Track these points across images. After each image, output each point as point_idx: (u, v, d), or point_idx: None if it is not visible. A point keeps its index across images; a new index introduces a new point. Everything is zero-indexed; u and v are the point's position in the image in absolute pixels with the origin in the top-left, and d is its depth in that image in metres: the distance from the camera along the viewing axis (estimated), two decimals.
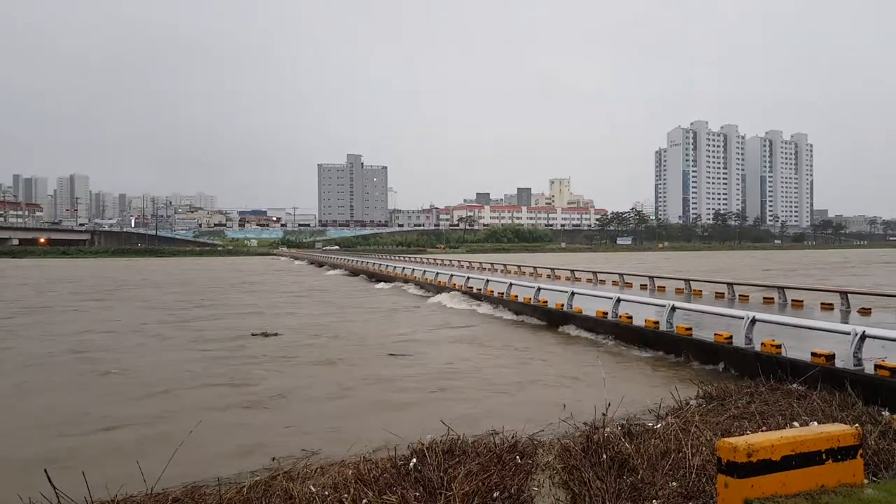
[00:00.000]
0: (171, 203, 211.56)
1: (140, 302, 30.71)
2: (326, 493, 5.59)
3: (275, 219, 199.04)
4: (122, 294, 36.27)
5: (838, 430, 4.70)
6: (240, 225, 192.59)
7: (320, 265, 73.21)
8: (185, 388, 12.00)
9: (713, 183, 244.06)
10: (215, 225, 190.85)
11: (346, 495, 5.53)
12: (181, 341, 17.98)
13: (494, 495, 5.47)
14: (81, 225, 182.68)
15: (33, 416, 10.26)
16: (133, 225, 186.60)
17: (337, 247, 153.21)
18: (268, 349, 16.23)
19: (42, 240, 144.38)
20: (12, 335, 19.37)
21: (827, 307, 17.84)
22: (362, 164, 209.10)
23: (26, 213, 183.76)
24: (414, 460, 6.12)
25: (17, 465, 7.81)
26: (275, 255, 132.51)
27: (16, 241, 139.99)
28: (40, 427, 9.54)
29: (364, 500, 5.42)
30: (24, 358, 15.39)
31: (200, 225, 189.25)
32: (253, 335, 18.46)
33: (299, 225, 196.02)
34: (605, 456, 6.02)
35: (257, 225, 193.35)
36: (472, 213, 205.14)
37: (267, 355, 15.36)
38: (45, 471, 5.51)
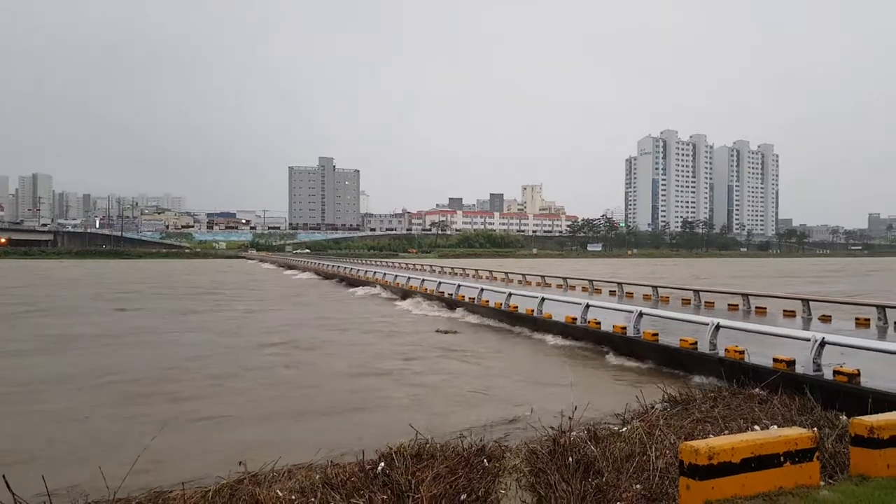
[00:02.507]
0: (137, 204, 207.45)
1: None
2: (293, 497, 5.56)
3: (244, 221, 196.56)
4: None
5: (796, 434, 4.83)
6: (208, 227, 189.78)
7: (289, 268, 72.61)
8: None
9: (682, 191, 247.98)
10: (183, 227, 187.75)
11: (313, 499, 5.51)
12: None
13: (462, 498, 5.51)
14: (44, 225, 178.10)
15: None
16: (98, 226, 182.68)
17: (308, 250, 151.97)
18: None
19: (2, 240, 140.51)
20: None
21: (789, 314, 18.24)
22: (334, 167, 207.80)
23: None
24: (382, 464, 6.12)
25: None
26: (243, 257, 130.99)
27: None
28: None
29: None
30: None
31: (168, 227, 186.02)
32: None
33: (269, 228, 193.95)
34: (571, 459, 6.09)
35: (226, 227, 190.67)
36: (444, 218, 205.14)
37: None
38: (3, 477, 5.39)
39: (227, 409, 10.50)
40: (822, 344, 9.74)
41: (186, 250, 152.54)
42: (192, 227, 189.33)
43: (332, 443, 8.30)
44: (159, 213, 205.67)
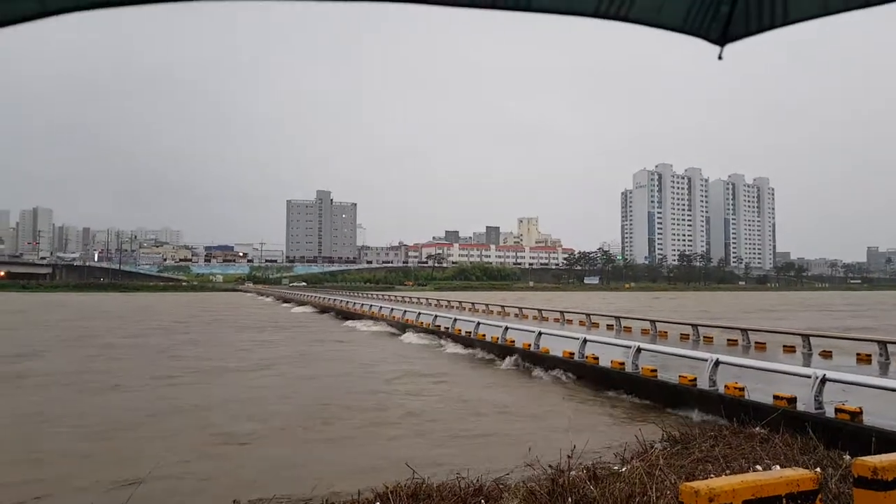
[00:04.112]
0: (135, 237, 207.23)
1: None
2: None
3: (241, 254, 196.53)
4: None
5: (798, 475, 4.73)
6: (206, 260, 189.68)
7: (286, 301, 72.35)
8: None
9: (678, 224, 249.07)
10: (181, 260, 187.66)
11: None
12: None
13: None
14: (43, 258, 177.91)
15: None
16: (96, 259, 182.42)
17: (304, 283, 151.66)
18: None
19: (1, 273, 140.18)
20: None
21: (789, 350, 18.13)
22: (332, 200, 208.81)
23: None
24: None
25: None
26: (241, 290, 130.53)
27: None
28: None
29: None
30: None
31: (165, 259, 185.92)
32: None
33: (266, 261, 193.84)
34: (570, 500, 5.97)
35: (224, 260, 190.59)
36: (440, 251, 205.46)
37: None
38: None
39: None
40: (824, 381, 9.65)
41: (184, 283, 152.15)
42: (191, 260, 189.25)
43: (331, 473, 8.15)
44: (157, 247, 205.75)
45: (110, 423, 12.12)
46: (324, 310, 52.41)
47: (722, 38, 1.31)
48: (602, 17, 1.19)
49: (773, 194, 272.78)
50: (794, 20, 1.25)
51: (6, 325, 38.06)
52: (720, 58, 1.31)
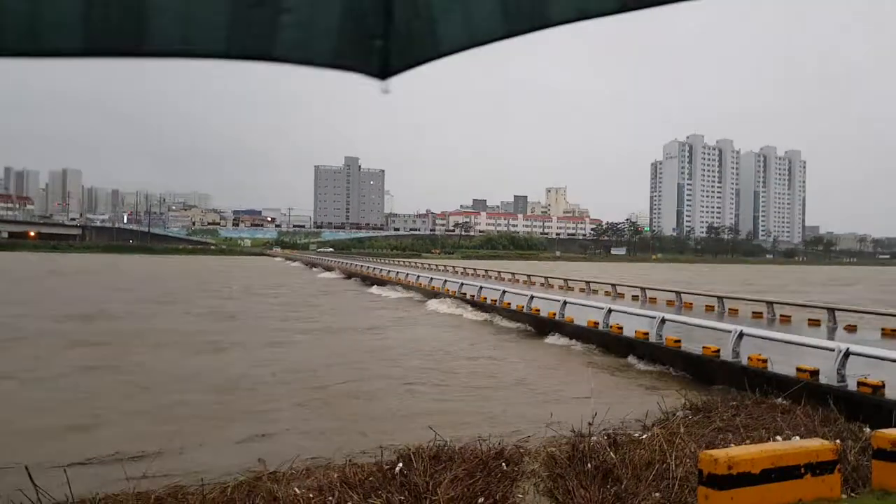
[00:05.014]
0: (164, 200, 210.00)
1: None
2: (311, 495, 5.62)
3: (269, 219, 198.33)
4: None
5: (818, 446, 4.78)
6: (234, 224, 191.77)
7: (313, 266, 73.13)
8: None
9: (707, 196, 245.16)
10: (209, 223, 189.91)
11: (330, 498, 5.57)
12: None
13: (479, 501, 5.53)
14: (73, 220, 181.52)
15: None
16: (126, 221, 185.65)
17: (331, 249, 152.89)
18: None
19: (32, 234, 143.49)
20: None
21: (814, 323, 17.97)
22: (359, 167, 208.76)
23: (17, 206, 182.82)
24: (400, 465, 6.17)
25: None
26: (268, 255, 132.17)
27: (5, 235, 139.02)
28: None
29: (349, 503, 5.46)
30: None
31: (194, 223, 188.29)
32: None
33: (294, 226, 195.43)
34: (590, 465, 6.08)
35: (252, 224, 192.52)
36: (468, 220, 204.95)
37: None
38: (27, 468, 5.53)
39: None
40: (847, 354, 9.60)
41: (212, 247, 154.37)
42: (219, 223, 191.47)
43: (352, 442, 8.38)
44: (186, 210, 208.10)
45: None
46: (371, 281, 45.16)
47: (382, 72, 1.28)
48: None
49: (804, 167, 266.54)
50: (447, 52, 1.25)
51: (117, 286, 39.06)
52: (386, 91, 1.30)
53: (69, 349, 16.13)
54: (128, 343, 17.08)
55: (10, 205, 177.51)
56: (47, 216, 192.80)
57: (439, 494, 5.45)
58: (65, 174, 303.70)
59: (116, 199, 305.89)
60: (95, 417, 9.86)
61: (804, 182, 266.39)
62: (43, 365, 13.95)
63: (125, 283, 42.87)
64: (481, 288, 26.55)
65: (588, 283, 30.67)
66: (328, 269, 63.93)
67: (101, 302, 27.66)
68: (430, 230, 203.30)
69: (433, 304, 28.82)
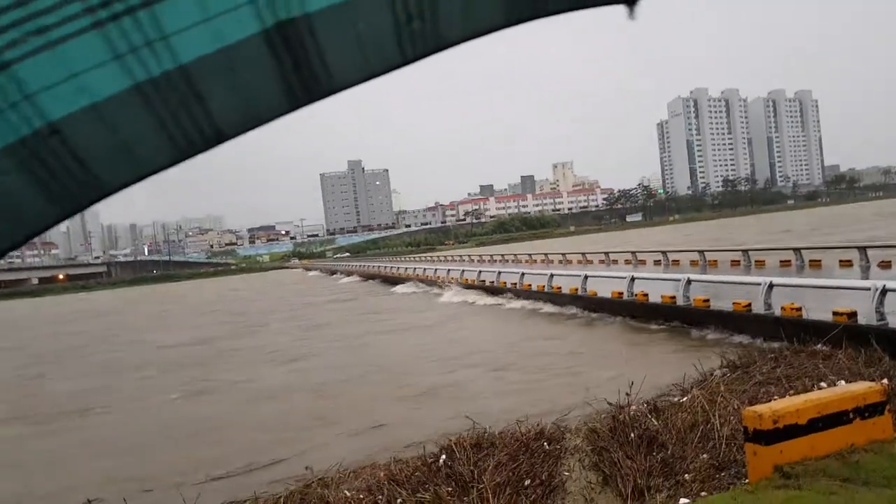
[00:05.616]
0: (181, 227, 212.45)
1: None
2: (361, 496, 5.65)
3: (283, 232, 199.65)
4: None
5: (863, 389, 4.68)
6: (250, 242, 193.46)
7: (332, 273, 73.31)
8: None
9: (718, 150, 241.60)
10: (226, 244, 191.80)
11: (380, 497, 5.58)
12: None
13: (525, 483, 5.51)
14: (97, 258, 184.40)
15: None
16: (146, 253, 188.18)
17: (348, 254, 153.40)
18: None
19: (60, 276, 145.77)
20: None
21: (846, 264, 17.66)
22: (363, 168, 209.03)
23: (42, 252, 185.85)
24: (443, 456, 6.16)
25: None
26: (287, 267, 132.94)
27: (35, 281, 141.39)
28: None
29: (399, 500, 5.46)
30: None
31: (212, 246, 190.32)
32: None
33: (308, 236, 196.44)
34: (632, 434, 6.02)
35: (268, 240, 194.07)
36: (477, 207, 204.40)
37: None
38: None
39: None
40: (884, 292, 9.41)
41: (233, 267, 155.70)
42: (236, 243, 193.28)
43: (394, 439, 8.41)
44: (203, 234, 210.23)
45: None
46: (392, 281, 44.43)
47: None
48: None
49: (816, 106, 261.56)
50: None
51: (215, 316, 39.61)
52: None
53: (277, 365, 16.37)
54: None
55: (36, 252, 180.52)
56: (72, 258, 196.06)
57: (485, 481, 5.43)
58: (83, 215, 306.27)
59: (135, 232, 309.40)
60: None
61: (818, 121, 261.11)
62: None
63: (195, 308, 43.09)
64: (499, 273, 26.47)
65: (606, 253, 30.43)
66: (348, 273, 64.23)
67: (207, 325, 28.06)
68: (442, 222, 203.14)
69: (448, 295, 28.79)
